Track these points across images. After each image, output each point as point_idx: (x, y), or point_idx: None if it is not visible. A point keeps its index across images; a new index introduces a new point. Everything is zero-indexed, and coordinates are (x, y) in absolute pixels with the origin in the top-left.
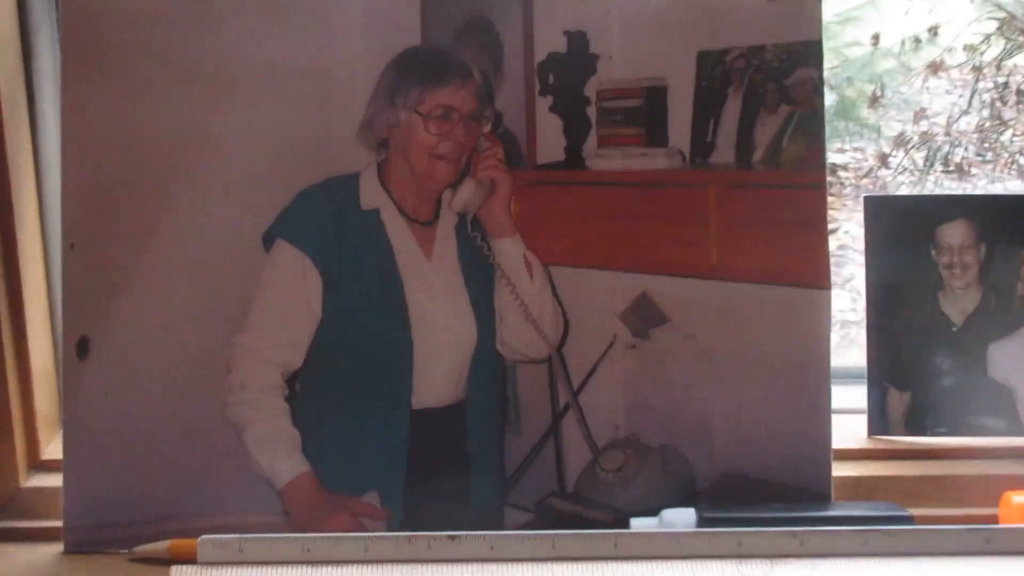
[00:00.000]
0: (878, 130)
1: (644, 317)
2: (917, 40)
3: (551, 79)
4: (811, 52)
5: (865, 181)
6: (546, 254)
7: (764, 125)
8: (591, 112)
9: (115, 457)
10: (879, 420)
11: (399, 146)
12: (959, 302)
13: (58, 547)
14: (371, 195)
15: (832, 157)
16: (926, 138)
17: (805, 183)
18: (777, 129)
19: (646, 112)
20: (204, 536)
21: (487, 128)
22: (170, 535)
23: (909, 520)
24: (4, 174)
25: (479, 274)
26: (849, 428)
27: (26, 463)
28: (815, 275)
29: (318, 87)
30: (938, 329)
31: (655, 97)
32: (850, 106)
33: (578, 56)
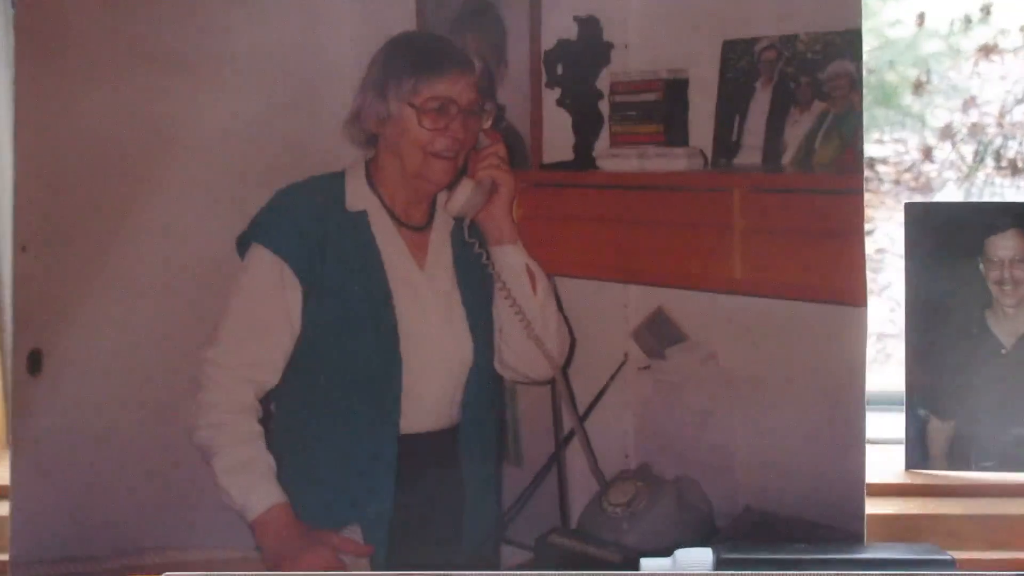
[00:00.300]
0: (922, 120)
1: (659, 335)
2: (968, 20)
3: (559, 70)
4: (849, 43)
5: (906, 176)
6: (551, 263)
7: (796, 123)
8: (603, 107)
9: (69, 484)
10: (918, 452)
11: (390, 142)
12: (1009, 322)
13: None
14: (358, 196)
15: (870, 149)
16: (976, 130)
17: (840, 188)
18: (810, 128)
19: (665, 107)
20: (167, 574)
21: (488, 123)
22: (129, 571)
23: (951, 564)
24: None
25: (476, 285)
26: (885, 460)
27: None
28: (849, 291)
29: (301, 76)
30: (985, 352)
31: (675, 91)
32: (891, 92)
33: (590, 44)
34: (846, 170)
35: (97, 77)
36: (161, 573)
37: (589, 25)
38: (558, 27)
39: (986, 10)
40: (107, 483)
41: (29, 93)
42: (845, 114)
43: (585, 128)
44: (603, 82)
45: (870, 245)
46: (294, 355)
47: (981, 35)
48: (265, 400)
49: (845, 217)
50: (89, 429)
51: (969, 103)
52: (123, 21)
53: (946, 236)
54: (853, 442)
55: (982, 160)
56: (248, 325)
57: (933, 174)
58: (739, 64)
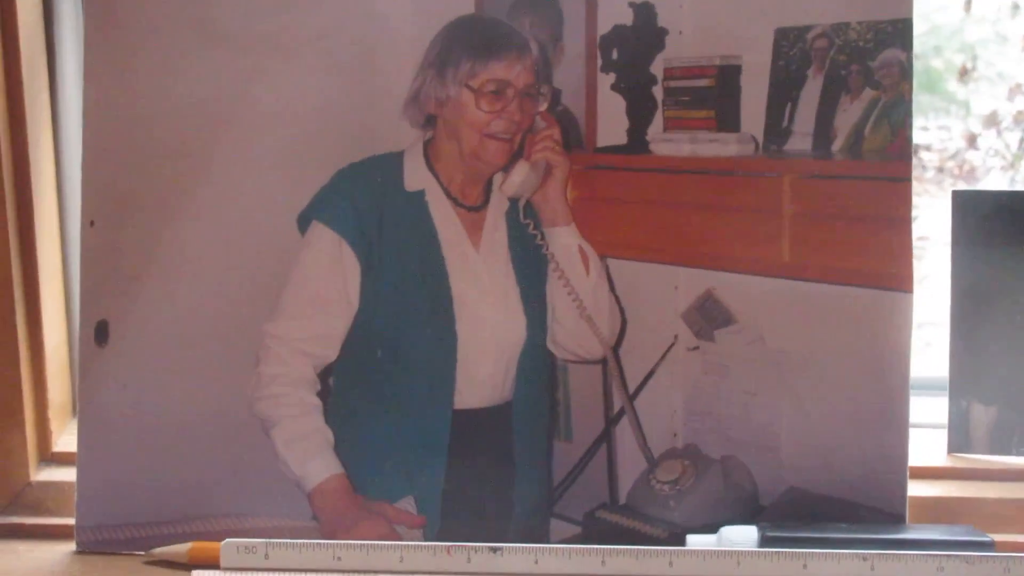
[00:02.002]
0: (967, 107)
1: (708, 317)
2: (1015, 6)
3: (614, 54)
4: (900, 32)
5: (950, 164)
6: (604, 245)
7: (846, 111)
8: (657, 92)
9: (133, 451)
10: (961, 436)
11: (448, 123)
12: None
13: (70, 546)
14: (416, 176)
15: (914, 136)
16: (1021, 118)
17: (889, 175)
18: (860, 116)
19: (717, 93)
20: (228, 540)
21: (543, 106)
22: (191, 537)
23: (991, 546)
24: (22, 143)
25: (530, 265)
26: (928, 444)
27: (37, 455)
28: (897, 276)
29: (362, 57)
30: None
31: (728, 77)
32: (936, 79)
33: (645, 30)
34: (895, 158)
35: (163, 58)
36: (221, 539)
37: (644, 11)
38: (614, 12)
39: None
40: (170, 451)
41: (97, 73)
42: (895, 102)
43: (639, 112)
44: (657, 67)
45: (914, 232)
46: (352, 330)
47: None
48: (323, 374)
49: (893, 204)
50: (153, 398)
51: (1015, 90)
52: (188, 3)
53: (992, 224)
54: (897, 426)
55: None
56: (308, 300)
57: (977, 162)
58: (791, 51)
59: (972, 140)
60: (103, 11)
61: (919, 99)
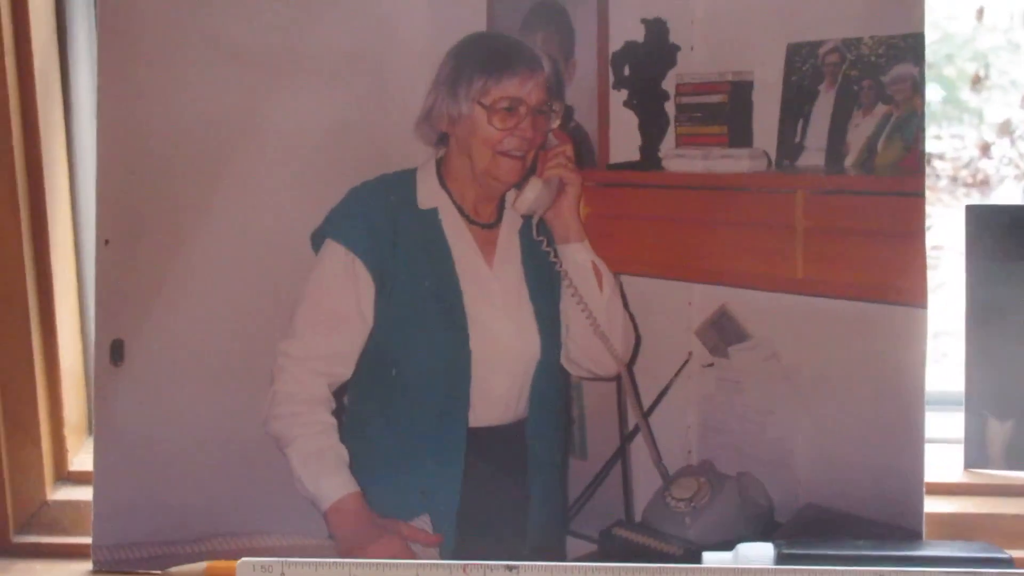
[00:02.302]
0: (980, 115)
1: (723, 333)
2: None
3: (626, 71)
4: (912, 47)
5: (964, 173)
6: (617, 262)
7: (858, 126)
8: (669, 108)
9: (149, 470)
10: (977, 452)
11: (460, 141)
12: None
13: (86, 565)
14: (429, 194)
15: (927, 145)
16: None
17: (902, 190)
18: (872, 130)
19: (730, 109)
20: (244, 559)
21: (556, 123)
22: (206, 556)
23: (1009, 563)
24: (36, 162)
25: (544, 282)
26: (944, 460)
27: (53, 474)
28: (911, 291)
29: (374, 75)
30: None
31: (740, 93)
32: (949, 87)
33: (656, 46)
34: (907, 172)
35: (176, 75)
36: (237, 558)
37: (656, 27)
38: (625, 29)
39: None
40: (186, 470)
41: (112, 91)
42: (907, 117)
43: (651, 129)
44: (669, 84)
45: (927, 242)
46: (366, 348)
47: None
48: (338, 392)
49: (906, 219)
50: (169, 417)
51: None
52: (202, 20)
53: (1006, 238)
54: (912, 441)
55: None
56: (322, 319)
57: (991, 170)
58: (803, 67)
59: (985, 149)
60: (117, 31)
61: (932, 108)
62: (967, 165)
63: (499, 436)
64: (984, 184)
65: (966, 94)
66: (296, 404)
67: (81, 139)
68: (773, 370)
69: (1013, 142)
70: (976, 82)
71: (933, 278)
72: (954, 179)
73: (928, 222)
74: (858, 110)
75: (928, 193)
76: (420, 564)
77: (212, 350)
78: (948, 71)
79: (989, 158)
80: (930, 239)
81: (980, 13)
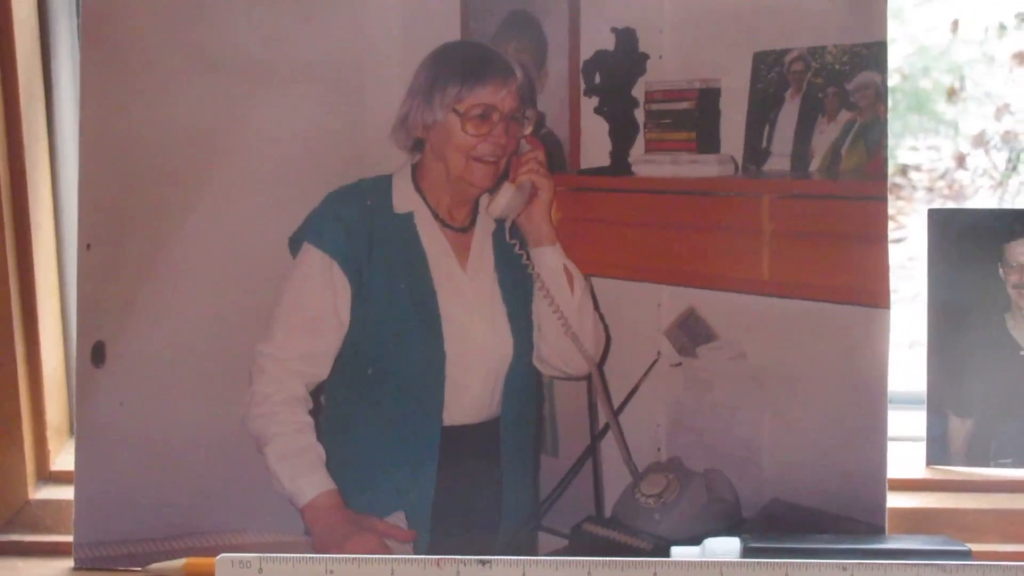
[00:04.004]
0: (955, 127)
1: (691, 334)
2: (1002, 27)
3: (597, 79)
4: (875, 55)
5: (940, 184)
6: (588, 264)
7: (823, 132)
8: (639, 115)
9: (129, 470)
10: (939, 449)
11: (435, 147)
12: None
13: (68, 563)
14: (404, 198)
15: (903, 156)
16: (1009, 137)
17: (865, 195)
18: (837, 137)
19: (697, 116)
20: (223, 555)
21: (528, 130)
22: (186, 553)
23: (967, 555)
24: (19, 168)
25: (517, 284)
26: (906, 456)
27: (35, 474)
28: (873, 293)
29: (351, 83)
30: (1005, 353)
31: (707, 100)
32: (925, 99)
33: (626, 55)
34: (871, 177)
35: (157, 83)
36: (216, 555)
37: (626, 36)
38: (596, 38)
39: (1021, 17)
40: (166, 469)
41: (94, 99)
42: (871, 123)
43: (621, 135)
44: (639, 91)
45: (903, 252)
46: (343, 349)
47: (1016, 42)
48: (315, 392)
49: (870, 222)
50: (149, 418)
51: (1002, 110)
52: (182, 30)
53: (968, 242)
54: (876, 438)
55: (1015, 168)
56: (299, 320)
57: (966, 181)
58: (769, 74)
59: (961, 160)
60: (99, 39)
61: (908, 119)
62: (943, 176)
63: (473, 434)
64: (960, 194)
65: (942, 106)
66: (273, 404)
67: (64, 146)
68: (740, 369)
69: (988, 152)
70: (952, 94)
71: (908, 288)
72: (930, 190)
73: (904, 232)
74: (823, 117)
75: (904, 204)
76: (395, 559)
77: (191, 352)
78: (924, 83)
79: (965, 169)
80: (906, 249)
81: (955, 26)
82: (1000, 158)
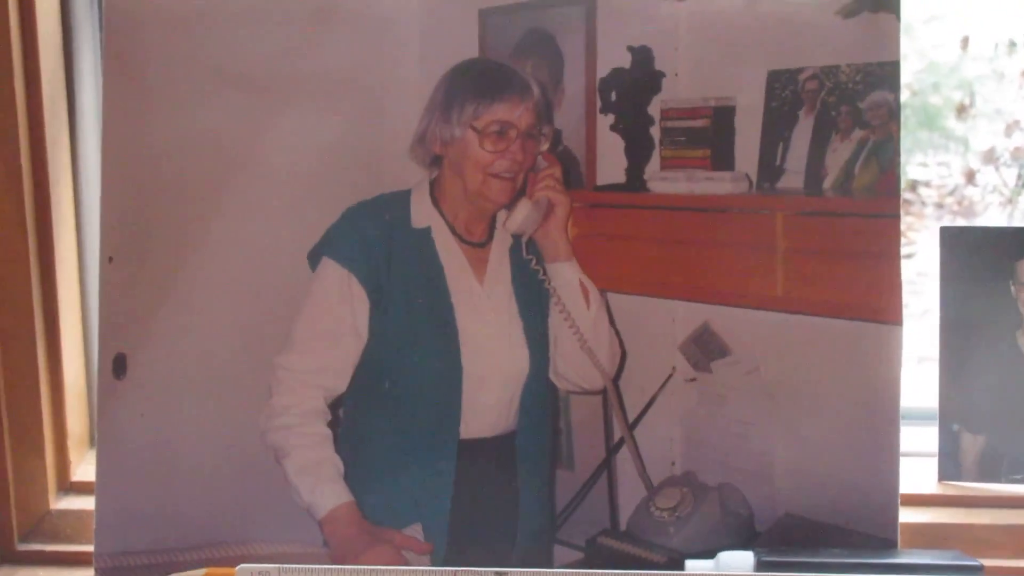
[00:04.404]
0: (966, 143)
1: (705, 349)
2: (1012, 44)
3: (613, 96)
4: (888, 74)
5: (949, 200)
6: (604, 280)
7: (836, 150)
8: (654, 132)
9: (150, 481)
10: (951, 464)
11: (453, 163)
12: None
13: (88, 572)
14: (422, 213)
15: (913, 172)
16: (1019, 154)
17: (878, 212)
18: (850, 155)
19: (712, 133)
20: (242, 565)
21: (545, 146)
22: (205, 563)
23: (979, 571)
24: (43, 182)
25: (533, 299)
26: (918, 472)
27: (56, 484)
28: (886, 309)
29: (370, 99)
30: (1016, 370)
31: (722, 117)
32: (935, 115)
33: (642, 73)
34: (883, 195)
35: (178, 98)
36: (236, 564)
37: (642, 55)
38: (613, 56)
39: None
40: (186, 480)
41: (115, 114)
42: (883, 142)
43: (637, 152)
44: (654, 109)
45: (912, 268)
46: (361, 362)
47: None
48: (334, 405)
49: (882, 239)
50: (169, 429)
51: (1012, 127)
52: (203, 46)
53: (979, 259)
54: (888, 454)
55: None
56: (318, 334)
57: (976, 198)
58: (783, 93)
59: (971, 176)
60: (121, 55)
61: (918, 135)
62: (952, 192)
63: (489, 447)
64: (969, 211)
65: (952, 122)
66: (293, 416)
67: (86, 160)
68: (754, 384)
69: (998, 169)
70: (961, 110)
71: (918, 304)
72: (940, 206)
73: (913, 248)
74: (836, 135)
75: (914, 220)
76: (412, 570)
77: (211, 364)
78: (934, 99)
79: (974, 185)
80: (916, 265)
81: (965, 42)
82: (1010, 175)
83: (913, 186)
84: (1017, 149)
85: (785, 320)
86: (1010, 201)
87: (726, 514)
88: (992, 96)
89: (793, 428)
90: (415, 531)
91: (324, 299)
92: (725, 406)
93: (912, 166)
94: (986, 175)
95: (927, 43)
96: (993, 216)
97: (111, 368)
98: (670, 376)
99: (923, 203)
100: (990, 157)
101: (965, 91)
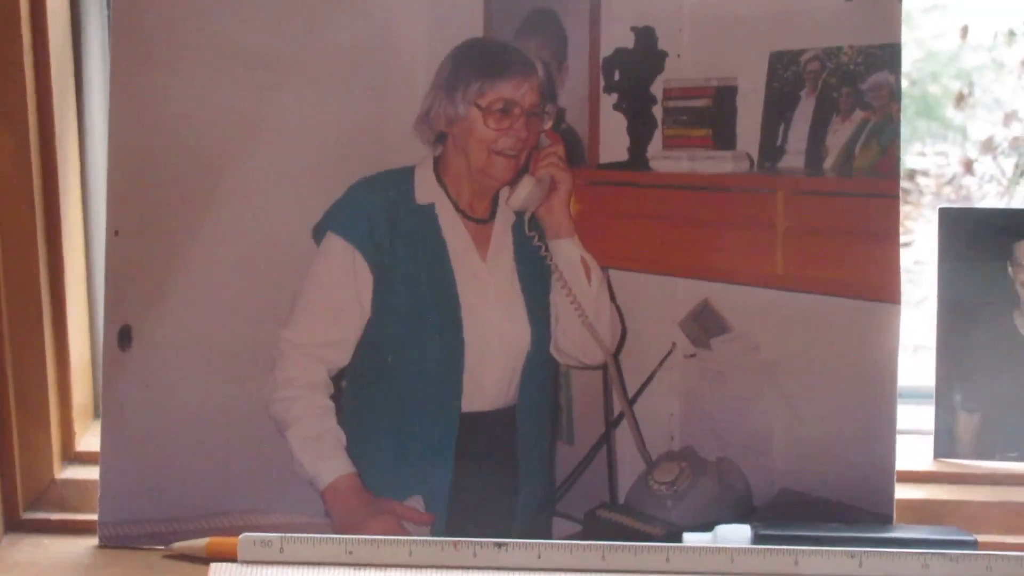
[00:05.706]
0: (964, 132)
1: (705, 326)
2: (1011, 33)
3: (616, 75)
4: (889, 55)
5: (947, 189)
6: (605, 257)
7: (837, 131)
8: (657, 111)
9: (154, 451)
10: (946, 442)
11: (457, 140)
12: None
13: (93, 540)
14: (426, 190)
15: (911, 161)
16: (1017, 144)
17: (877, 192)
18: (850, 135)
19: (714, 113)
20: (245, 534)
21: (548, 124)
22: (209, 532)
23: (974, 545)
24: (50, 156)
25: (535, 275)
26: (915, 449)
27: (61, 454)
28: (885, 288)
29: (376, 77)
30: (1012, 349)
31: (724, 97)
32: (933, 105)
33: (645, 52)
34: (883, 176)
35: (185, 73)
36: (238, 534)
37: (645, 35)
38: (616, 36)
39: None
40: (189, 450)
41: (123, 87)
42: (884, 123)
43: (639, 131)
44: (657, 88)
45: (909, 257)
46: (364, 336)
47: None
48: (337, 378)
49: (881, 219)
50: (173, 400)
51: (1011, 117)
52: (210, 21)
53: (977, 240)
54: (885, 431)
55: (1023, 174)
56: (322, 308)
57: (974, 187)
58: (785, 74)
59: (969, 166)
60: (129, 31)
61: (916, 125)
62: (950, 181)
63: (490, 421)
64: (967, 200)
65: (950, 111)
66: (296, 388)
67: (93, 134)
68: (753, 361)
69: (996, 159)
70: (960, 100)
71: (915, 292)
72: (938, 195)
73: (911, 237)
74: (837, 116)
75: (911, 209)
76: (413, 540)
77: (216, 336)
78: (933, 89)
79: (972, 175)
80: (913, 254)
81: (964, 31)
82: (1008, 164)
83: (911, 175)
84: (1015, 139)
85: (784, 298)
86: (1007, 191)
87: (724, 488)
88: (991, 86)
89: (791, 404)
90: (416, 503)
91: (328, 274)
92: (724, 382)
93: (910, 155)
94: (984, 165)
95: (927, 32)
96: (991, 205)
97: (116, 339)
98: (670, 352)
99: (921, 192)
100: (988, 147)
101: (964, 81)
